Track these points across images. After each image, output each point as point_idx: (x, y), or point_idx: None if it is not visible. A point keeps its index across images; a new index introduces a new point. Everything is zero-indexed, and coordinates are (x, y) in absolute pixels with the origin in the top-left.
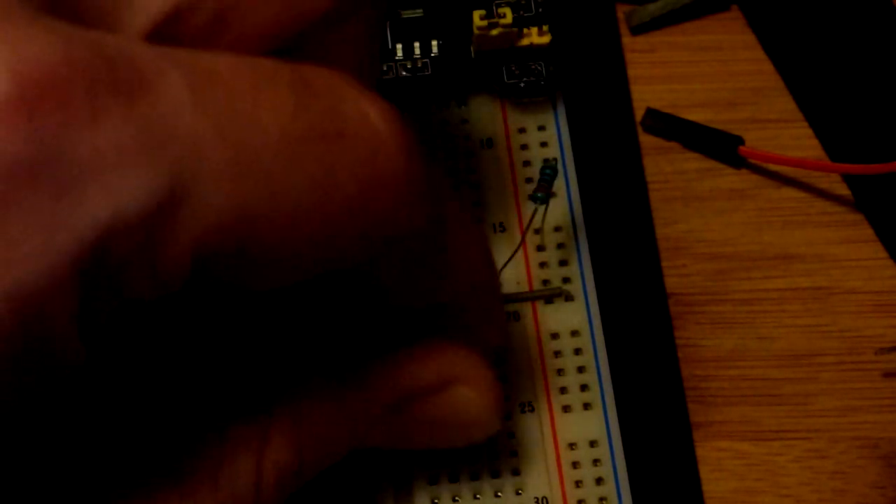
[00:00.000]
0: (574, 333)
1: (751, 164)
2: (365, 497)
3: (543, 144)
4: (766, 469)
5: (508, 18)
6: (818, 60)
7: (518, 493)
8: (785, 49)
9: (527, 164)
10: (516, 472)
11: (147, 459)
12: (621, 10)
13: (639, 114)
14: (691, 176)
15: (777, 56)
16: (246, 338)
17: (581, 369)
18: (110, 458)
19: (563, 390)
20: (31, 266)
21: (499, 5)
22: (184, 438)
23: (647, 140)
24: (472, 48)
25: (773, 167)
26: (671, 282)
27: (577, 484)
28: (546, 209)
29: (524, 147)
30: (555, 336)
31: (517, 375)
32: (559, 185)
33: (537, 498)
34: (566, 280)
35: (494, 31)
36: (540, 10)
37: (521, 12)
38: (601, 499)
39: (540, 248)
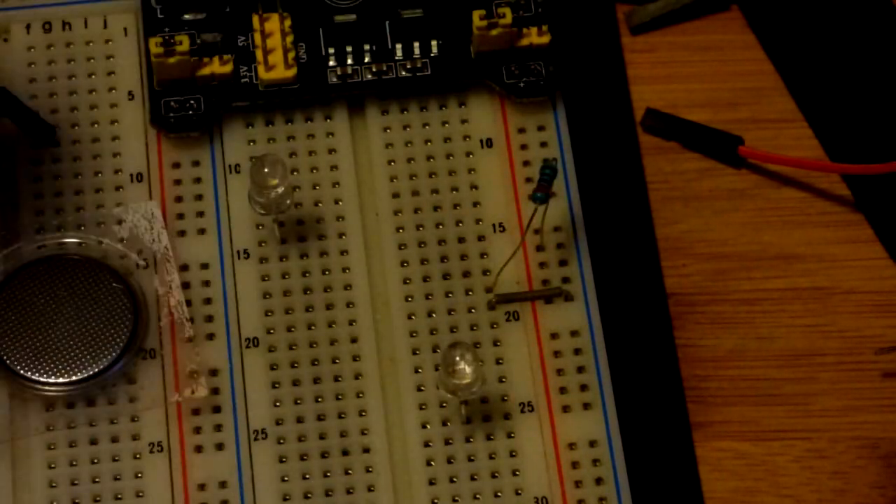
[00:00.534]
0: (574, 333)
1: (751, 164)
2: (365, 497)
3: (543, 144)
4: (766, 469)
5: (508, 18)
6: (818, 60)
7: (518, 493)
8: (785, 49)
9: (527, 164)
10: (516, 473)
11: None
12: (621, 10)
13: (639, 114)
14: (691, 176)
15: (777, 56)
16: None
17: (581, 369)
18: None
19: (563, 390)
20: None
21: (499, 5)
22: None
23: (646, 140)
24: (471, 48)
25: (772, 167)
26: (671, 282)
27: (577, 484)
28: (546, 209)
29: (524, 147)
30: (555, 336)
31: (517, 376)
32: (559, 184)
33: (537, 498)
34: (566, 280)
35: (494, 31)
36: (540, 10)
37: (521, 12)
38: (601, 499)
39: (540, 248)
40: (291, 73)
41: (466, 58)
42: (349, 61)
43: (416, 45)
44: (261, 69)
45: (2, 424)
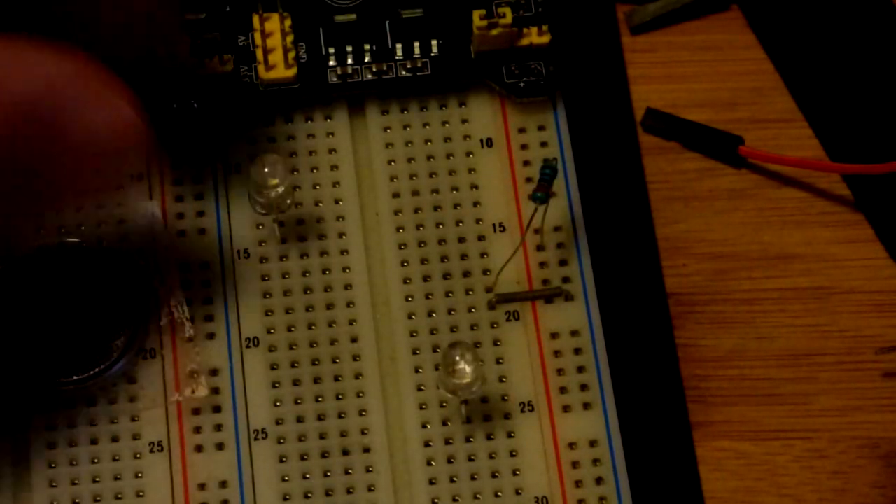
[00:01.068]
0: (574, 333)
1: (751, 164)
2: (365, 497)
3: (543, 144)
4: (766, 469)
5: (508, 18)
6: (818, 60)
7: (518, 493)
8: (785, 49)
9: (527, 164)
10: (516, 472)
11: None
12: (621, 10)
13: (639, 114)
14: (691, 176)
15: (777, 56)
16: None
17: (581, 369)
18: None
19: (563, 390)
20: None
21: (499, 5)
22: None
23: (647, 140)
24: (471, 48)
25: (772, 167)
26: (671, 282)
27: (577, 484)
28: (546, 209)
29: (524, 147)
30: (555, 336)
31: (517, 375)
32: (559, 184)
33: (537, 498)
34: (566, 280)
35: (494, 31)
36: (540, 9)
37: (521, 12)
38: (601, 499)
39: (540, 248)
40: (291, 72)
41: (466, 58)
42: (349, 61)
43: (416, 45)
44: (261, 69)
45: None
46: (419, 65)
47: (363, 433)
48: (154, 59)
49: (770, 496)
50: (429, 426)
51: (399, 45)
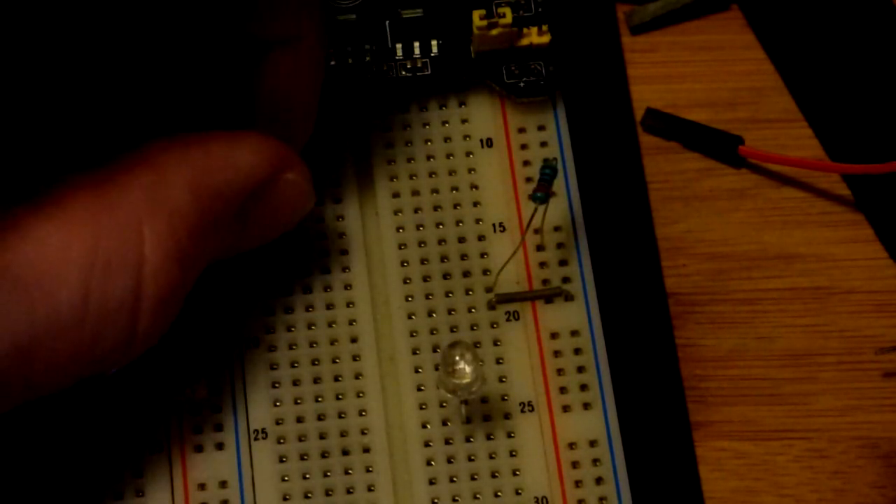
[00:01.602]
0: (574, 333)
1: (751, 164)
2: (365, 497)
3: (543, 144)
4: (766, 469)
5: (508, 18)
6: (818, 60)
7: (518, 493)
8: (785, 49)
9: (527, 164)
10: (516, 472)
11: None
12: (621, 10)
13: (639, 114)
14: (691, 176)
15: (777, 56)
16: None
17: (581, 369)
18: None
19: (563, 390)
20: None
21: (498, 5)
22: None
23: (647, 140)
24: (471, 48)
25: (773, 167)
26: (671, 282)
27: (577, 484)
28: (546, 209)
29: (524, 147)
30: (555, 336)
31: (517, 375)
32: (559, 184)
33: (537, 498)
34: (566, 280)
35: (494, 31)
36: (540, 9)
37: (521, 12)
38: (601, 499)
39: (540, 248)
40: None
41: (466, 58)
42: (349, 61)
43: (416, 45)
44: None
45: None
46: (419, 65)
47: (363, 433)
48: None
49: (770, 496)
50: (429, 426)
51: (399, 45)
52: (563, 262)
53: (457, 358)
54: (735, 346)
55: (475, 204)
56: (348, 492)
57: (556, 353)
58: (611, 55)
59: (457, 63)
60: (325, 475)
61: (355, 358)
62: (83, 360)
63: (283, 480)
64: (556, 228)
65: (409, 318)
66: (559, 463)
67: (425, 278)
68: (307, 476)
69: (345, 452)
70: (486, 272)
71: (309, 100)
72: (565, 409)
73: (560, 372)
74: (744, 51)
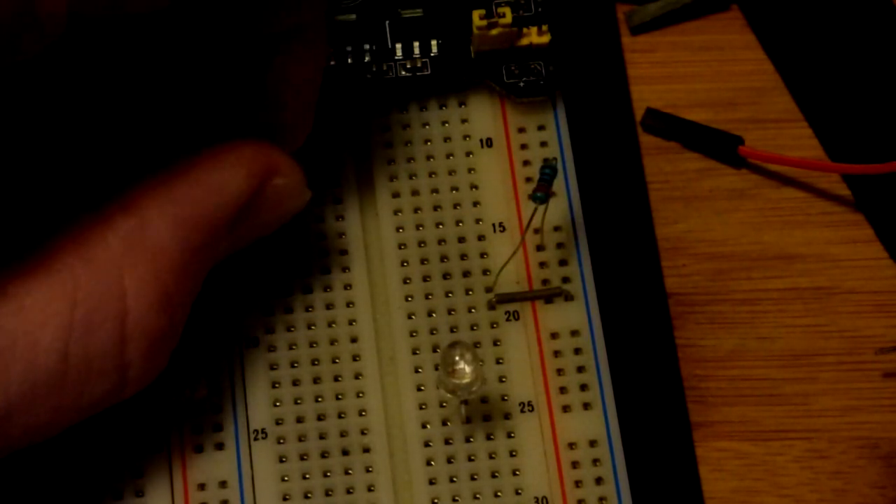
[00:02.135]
0: (574, 333)
1: (751, 164)
2: (365, 497)
3: (543, 144)
4: (766, 469)
5: (508, 18)
6: (818, 60)
7: (518, 493)
8: (785, 49)
9: (527, 164)
10: (516, 472)
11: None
12: (621, 10)
13: (639, 114)
14: (691, 176)
15: (777, 56)
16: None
17: (581, 369)
18: None
19: (562, 390)
20: None
21: (498, 5)
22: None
23: (647, 140)
24: (471, 48)
25: (773, 167)
26: (671, 282)
27: (577, 484)
28: (546, 209)
29: (524, 147)
30: (555, 336)
31: (517, 375)
32: (559, 184)
33: (537, 498)
34: (566, 280)
35: (494, 31)
36: (540, 9)
37: (521, 12)
38: (601, 499)
39: (540, 248)
40: None
41: (466, 58)
42: (349, 61)
43: (416, 45)
44: None
45: None
46: (419, 65)
47: (363, 433)
48: None
49: (770, 496)
50: (429, 426)
51: (399, 45)
52: (563, 262)
53: (456, 358)
54: (735, 346)
55: (475, 204)
56: (348, 492)
57: (556, 353)
58: (611, 55)
59: (457, 63)
60: (325, 475)
61: (355, 358)
62: (66, 416)
63: (283, 480)
64: (556, 228)
65: (409, 318)
66: (559, 463)
67: (425, 278)
68: (307, 476)
69: (345, 452)
70: (486, 272)
71: (311, 92)
72: (565, 409)
73: (560, 372)
74: (744, 51)
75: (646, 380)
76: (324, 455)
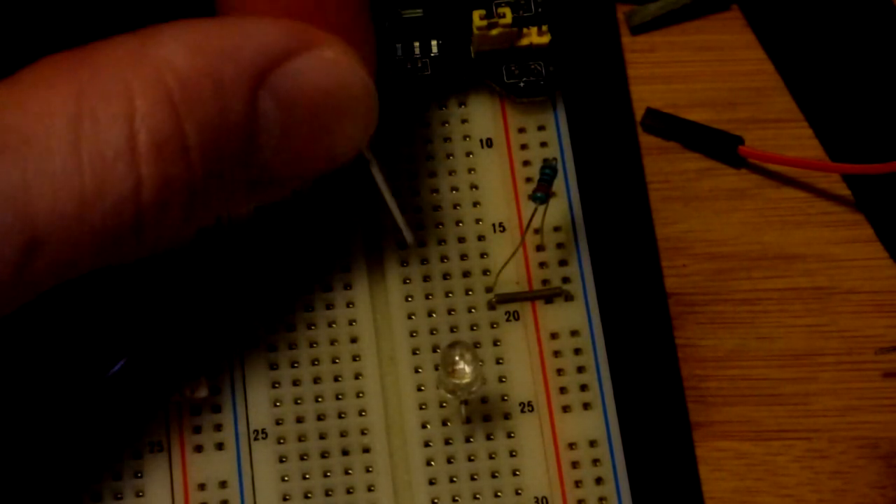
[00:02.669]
0: (574, 333)
1: (751, 164)
2: (365, 497)
3: (543, 144)
4: (766, 469)
5: (508, 18)
6: (818, 60)
7: (518, 493)
8: (785, 49)
9: (527, 164)
10: (516, 473)
11: None
12: (621, 10)
13: (639, 114)
14: (691, 176)
15: (777, 56)
16: None
17: (581, 369)
18: None
19: (562, 390)
20: None
21: (498, 5)
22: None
23: (647, 140)
24: (471, 48)
25: (773, 167)
26: (671, 282)
27: (577, 484)
28: (546, 209)
29: (524, 147)
30: (555, 336)
31: (517, 375)
32: (559, 185)
33: (537, 498)
34: (566, 280)
35: (494, 31)
36: (540, 9)
37: (521, 12)
38: (601, 499)
39: (540, 248)
40: None
41: (466, 58)
42: None
43: (416, 45)
44: None
45: None
46: (419, 65)
47: (363, 433)
48: None
49: (770, 496)
50: (429, 426)
51: (399, 45)
52: (563, 262)
53: (456, 358)
54: (735, 346)
55: (475, 204)
56: (348, 492)
57: (556, 353)
58: (611, 55)
59: (457, 63)
60: (325, 475)
61: (355, 358)
62: (94, 212)
63: (283, 480)
64: (556, 228)
65: (409, 318)
66: (559, 463)
67: (425, 278)
68: (307, 476)
69: (345, 452)
70: (486, 272)
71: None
72: (565, 409)
73: (560, 372)
74: (744, 51)
75: (646, 380)
76: (324, 455)
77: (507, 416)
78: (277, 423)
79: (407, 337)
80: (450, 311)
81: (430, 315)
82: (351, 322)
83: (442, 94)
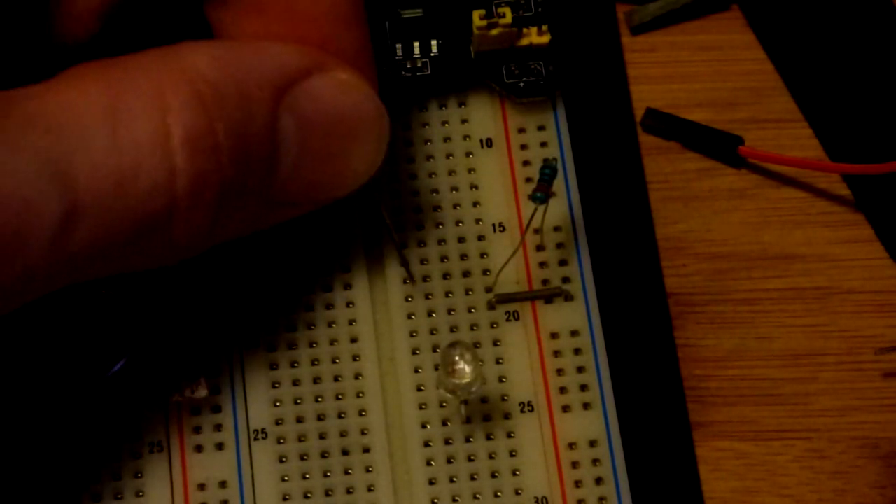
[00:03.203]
0: (574, 333)
1: (751, 164)
2: (365, 497)
3: (543, 144)
4: (766, 469)
5: (508, 18)
6: (818, 60)
7: (518, 493)
8: (785, 49)
9: (527, 164)
10: (516, 472)
11: None
12: (621, 10)
13: (639, 114)
14: (691, 176)
15: (777, 56)
16: None
17: (581, 369)
18: None
19: (562, 390)
20: None
21: (498, 5)
22: None
23: (647, 140)
24: (471, 48)
25: (772, 167)
26: (671, 282)
27: (577, 484)
28: (546, 209)
29: (524, 147)
30: (555, 336)
31: (517, 375)
32: (559, 185)
33: (537, 498)
34: (566, 280)
35: (494, 31)
36: (539, 9)
37: (521, 12)
38: (601, 499)
39: (540, 248)
40: None
41: (466, 58)
42: None
43: (416, 45)
44: None
45: None
46: (419, 65)
47: (363, 433)
48: None
49: (770, 496)
50: (428, 426)
51: (399, 45)
52: (562, 262)
53: (456, 358)
54: (735, 346)
55: (475, 204)
56: (348, 492)
57: (556, 353)
58: (611, 55)
59: (457, 63)
60: (325, 475)
61: (355, 358)
62: (130, 193)
63: (283, 480)
64: (556, 228)
65: (409, 318)
66: (559, 463)
67: (425, 278)
68: (307, 476)
69: (345, 452)
70: (485, 272)
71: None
72: (565, 409)
73: (560, 372)
74: (744, 51)
75: (646, 380)
76: (324, 455)
77: (506, 416)
78: (277, 423)
79: (407, 337)
80: (450, 311)
81: (430, 315)
82: (351, 322)
83: (442, 94)
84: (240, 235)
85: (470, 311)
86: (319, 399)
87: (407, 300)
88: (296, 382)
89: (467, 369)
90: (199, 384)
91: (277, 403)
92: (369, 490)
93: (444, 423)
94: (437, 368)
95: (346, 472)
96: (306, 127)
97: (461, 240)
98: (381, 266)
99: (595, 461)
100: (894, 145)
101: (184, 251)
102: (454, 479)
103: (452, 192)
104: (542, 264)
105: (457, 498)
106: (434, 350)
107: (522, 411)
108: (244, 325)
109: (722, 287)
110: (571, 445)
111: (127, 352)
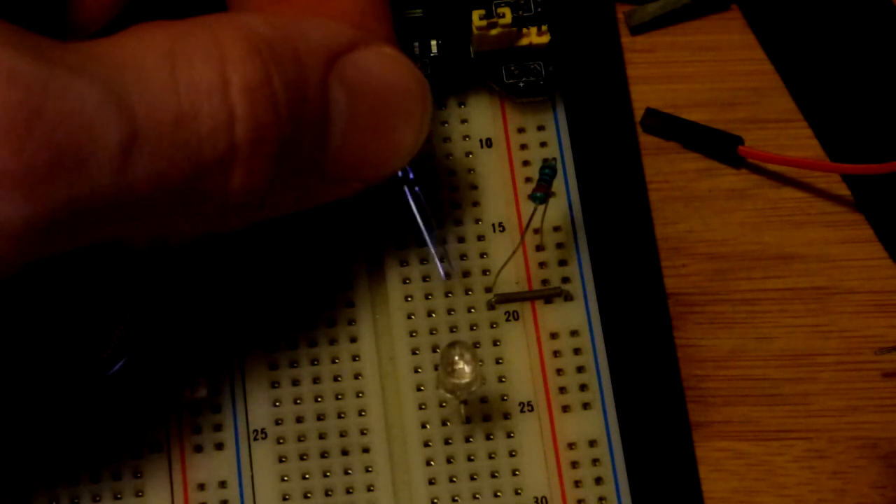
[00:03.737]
0: (574, 333)
1: (750, 164)
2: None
3: (543, 144)
4: (765, 469)
5: (507, 18)
6: (818, 60)
7: (518, 493)
8: (785, 49)
9: (527, 164)
10: (516, 472)
11: None
12: (621, 10)
13: (639, 114)
14: (691, 176)
15: (777, 56)
16: None
17: (581, 369)
18: None
19: (562, 390)
20: None
21: (498, 5)
22: None
23: (646, 140)
24: (471, 48)
25: (772, 167)
26: (671, 282)
27: (577, 484)
28: (546, 209)
29: (524, 147)
30: (554, 336)
31: (517, 375)
32: (559, 185)
33: (537, 498)
34: (566, 280)
35: (494, 31)
36: (539, 9)
37: (521, 12)
38: (601, 499)
39: (539, 248)
40: None
41: (466, 58)
42: None
43: (416, 45)
44: None
45: None
46: (419, 65)
47: (363, 433)
48: None
49: (770, 496)
50: (428, 426)
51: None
52: (562, 262)
53: (456, 358)
54: (735, 346)
55: (475, 204)
56: (348, 492)
57: (556, 353)
58: (611, 55)
59: (457, 63)
60: (325, 475)
61: (355, 358)
62: (190, 132)
63: (283, 480)
64: (556, 228)
65: (409, 318)
66: (559, 463)
67: (425, 278)
68: (307, 476)
69: (344, 452)
70: (485, 272)
71: None
72: (565, 409)
73: (560, 372)
74: (744, 51)
75: (646, 380)
76: (323, 455)
77: (506, 416)
78: (277, 423)
79: (407, 337)
80: (449, 311)
81: (429, 315)
82: (350, 322)
83: (442, 94)
84: (290, 211)
85: (470, 311)
86: (319, 399)
87: (407, 300)
88: (295, 382)
89: (467, 369)
90: (199, 384)
91: (277, 403)
92: (369, 490)
93: (444, 423)
94: (436, 368)
95: (346, 472)
96: (355, 97)
97: (461, 240)
98: (381, 266)
99: (595, 461)
100: (894, 145)
101: (238, 213)
102: (454, 479)
103: (452, 192)
104: (542, 264)
105: (456, 498)
106: (434, 350)
107: (522, 411)
108: (244, 326)
109: (722, 287)
110: (571, 445)
111: (127, 352)
